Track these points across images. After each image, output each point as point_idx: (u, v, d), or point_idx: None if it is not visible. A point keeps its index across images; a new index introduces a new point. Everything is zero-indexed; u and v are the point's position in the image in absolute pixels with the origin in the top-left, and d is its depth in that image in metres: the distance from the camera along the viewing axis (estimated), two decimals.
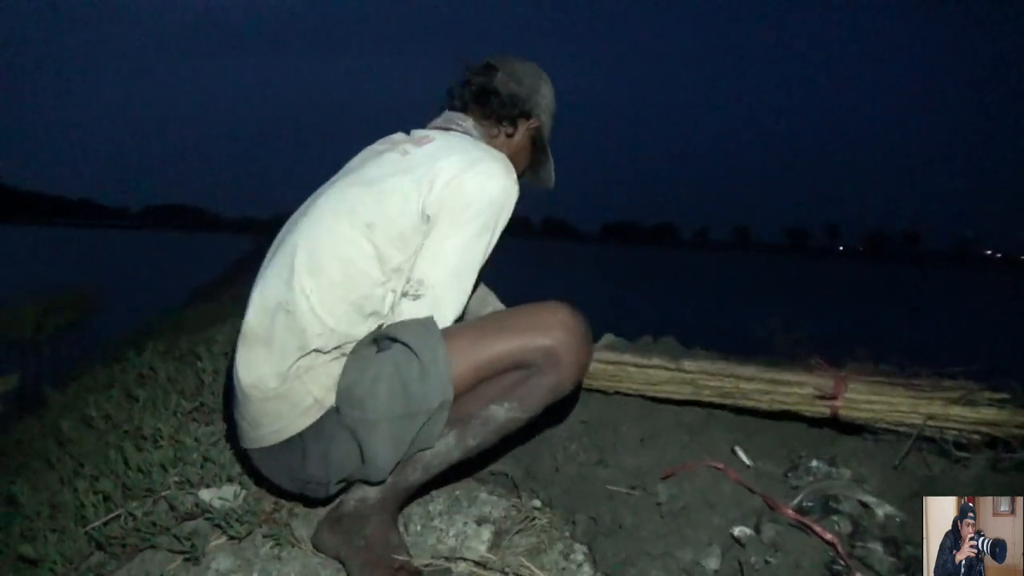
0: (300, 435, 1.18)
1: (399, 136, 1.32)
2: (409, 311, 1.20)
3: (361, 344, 1.20)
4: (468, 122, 1.38)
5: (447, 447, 1.19)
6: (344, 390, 1.16)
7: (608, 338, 1.92)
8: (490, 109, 1.40)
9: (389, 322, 1.22)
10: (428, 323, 1.18)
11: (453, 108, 1.42)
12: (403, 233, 1.19)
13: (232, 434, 1.48)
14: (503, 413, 1.18)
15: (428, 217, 1.19)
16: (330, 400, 1.18)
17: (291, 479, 1.25)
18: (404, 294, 1.20)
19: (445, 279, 1.20)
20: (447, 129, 1.37)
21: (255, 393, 1.16)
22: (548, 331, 1.16)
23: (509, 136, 1.42)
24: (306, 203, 1.29)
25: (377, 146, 1.32)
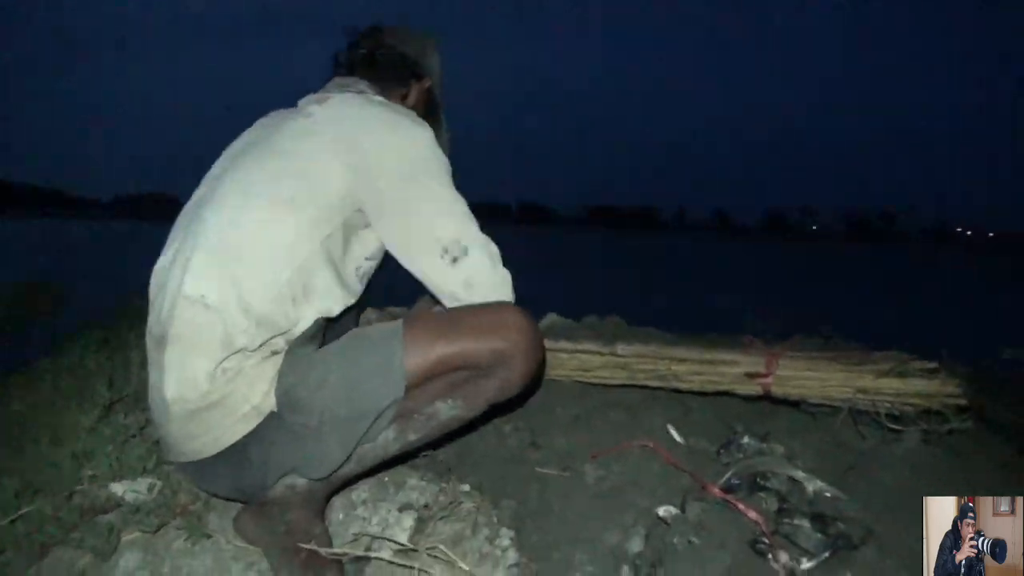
0: (236, 444, 1.11)
1: (288, 111, 1.25)
2: (472, 266, 1.18)
3: (297, 343, 1.13)
4: (362, 84, 1.32)
5: (386, 441, 1.15)
6: (284, 395, 1.10)
7: (550, 318, 1.87)
8: (381, 71, 1.35)
9: (322, 304, 1.14)
10: (393, 327, 1.14)
11: (341, 74, 1.36)
12: (330, 205, 1.13)
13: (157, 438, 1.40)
14: (447, 410, 1.15)
15: (378, 190, 1.14)
16: (269, 405, 1.11)
17: (227, 487, 1.20)
18: (454, 259, 1.17)
19: (469, 227, 1.19)
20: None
21: (179, 407, 1.08)
22: (501, 333, 1.13)
23: (403, 98, 1.38)
24: (204, 188, 1.20)
25: (267, 120, 1.24)
